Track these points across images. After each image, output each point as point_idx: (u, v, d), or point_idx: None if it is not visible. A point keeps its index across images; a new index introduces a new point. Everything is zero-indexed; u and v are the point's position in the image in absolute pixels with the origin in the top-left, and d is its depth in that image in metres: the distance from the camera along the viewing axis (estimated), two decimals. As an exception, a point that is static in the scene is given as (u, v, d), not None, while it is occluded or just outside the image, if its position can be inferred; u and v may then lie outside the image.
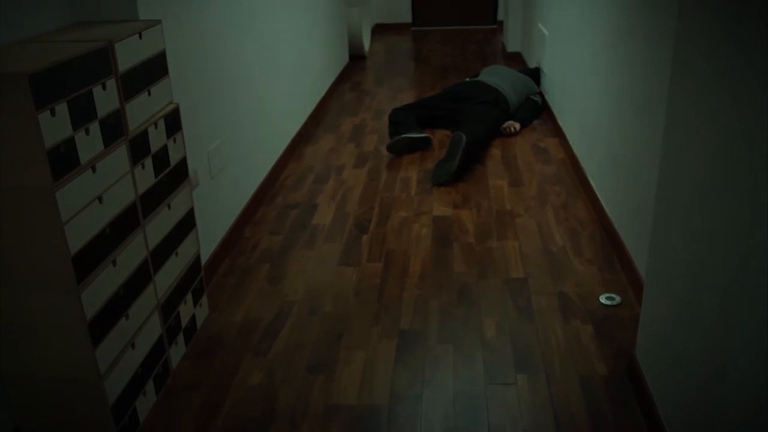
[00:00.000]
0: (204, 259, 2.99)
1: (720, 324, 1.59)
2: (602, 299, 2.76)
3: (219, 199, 3.18)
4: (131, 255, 2.11)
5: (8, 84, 1.62)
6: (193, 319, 2.60)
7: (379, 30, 8.92)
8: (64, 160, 1.76)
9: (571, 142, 4.27)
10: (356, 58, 7.32)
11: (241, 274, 3.07)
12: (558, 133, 4.65)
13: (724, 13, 1.58)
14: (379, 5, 8.98)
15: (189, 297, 2.56)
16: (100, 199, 1.92)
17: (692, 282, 1.77)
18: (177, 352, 2.47)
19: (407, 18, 9.01)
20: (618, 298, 2.76)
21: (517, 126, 4.74)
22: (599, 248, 3.17)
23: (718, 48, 1.62)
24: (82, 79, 1.83)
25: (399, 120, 4.68)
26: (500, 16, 8.83)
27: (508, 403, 2.23)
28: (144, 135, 2.17)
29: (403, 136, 4.40)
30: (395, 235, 3.38)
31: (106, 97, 1.94)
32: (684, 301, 1.84)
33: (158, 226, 2.28)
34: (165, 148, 2.32)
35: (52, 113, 1.70)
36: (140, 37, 2.15)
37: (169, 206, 2.36)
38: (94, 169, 1.89)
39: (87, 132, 1.85)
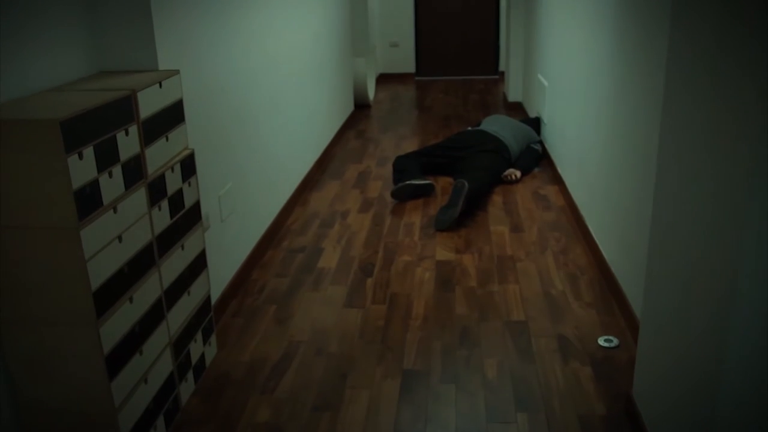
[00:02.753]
0: (213, 299, 3.07)
1: (712, 365, 1.66)
2: (601, 341, 2.83)
3: (228, 241, 3.28)
4: (147, 293, 2.19)
5: (41, 129, 1.73)
6: (202, 357, 2.67)
7: (383, 79, 9.14)
8: (88, 201, 1.86)
9: (570, 190, 4.38)
10: (361, 106, 7.49)
11: (248, 315, 3.15)
12: (558, 180, 4.76)
13: (710, 69, 1.69)
14: (384, 55, 9.21)
15: (199, 335, 2.63)
16: (120, 238, 2.02)
17: (685, 324, 1.85)
18: (187, 389, 2.53)
19: (411, 68, 9.22)
20: (616, 341, 2.82)
21: (518, 174, 4.86)
22: (598, 292, 3.24)
23: (704, 97, 1.72)
24: (107, 126, 1.95)
25: (403, 167, 4.79)
26: (502, 67, 9.05)
27: (508, 441, 2.28)
28: (161, 178, 2.28)
29: (407, 182, 4.51)
30: (399, 279, 3.46)
31: (128, 142, 2.06)
32: (677, 342, 1.91)
33: (172, 265, 2.38)
34: (180, 192, 2.42)
35: (80, 157, 1.81)
36: (160, 86, 2.28)
37: (182, 247, 2.45)
38: (115, 210, 1.99)
39: (110, 175, 1.96)
